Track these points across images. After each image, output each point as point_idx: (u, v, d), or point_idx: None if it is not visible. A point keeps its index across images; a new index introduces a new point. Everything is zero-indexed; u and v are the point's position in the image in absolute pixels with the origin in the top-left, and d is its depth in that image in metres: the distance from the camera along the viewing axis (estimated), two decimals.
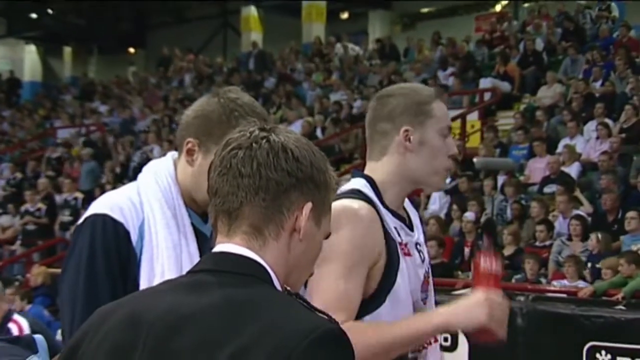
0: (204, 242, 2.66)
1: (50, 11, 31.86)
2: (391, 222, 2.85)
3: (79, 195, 18.32)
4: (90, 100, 26.94)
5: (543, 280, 11.58)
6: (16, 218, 18.56)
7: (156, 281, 2.49)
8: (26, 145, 24.21)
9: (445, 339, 8.30)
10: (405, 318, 2.80)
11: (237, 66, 25.73)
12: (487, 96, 18.45)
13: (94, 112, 25.18)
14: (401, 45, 24.18)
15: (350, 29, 28.62)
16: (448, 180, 12.84)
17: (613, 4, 21.17)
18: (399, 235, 2.85)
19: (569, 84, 17.16)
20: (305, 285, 2.66)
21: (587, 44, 18.97)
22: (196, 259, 2.12)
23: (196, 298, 1.76)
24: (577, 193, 13.03)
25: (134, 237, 2.64)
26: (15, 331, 5.86)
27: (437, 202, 14.29)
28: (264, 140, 1.84)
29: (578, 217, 12.19)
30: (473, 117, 17.57)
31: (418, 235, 2.98)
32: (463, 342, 8.16)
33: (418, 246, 2.93)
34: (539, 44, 19.67)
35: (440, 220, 13.32)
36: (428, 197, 14.28)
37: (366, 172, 2.96)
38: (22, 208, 18.44)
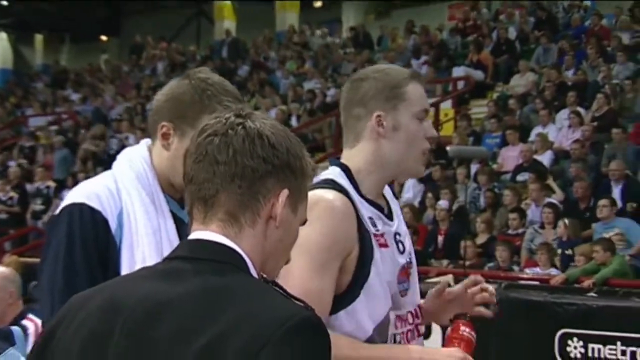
0: (182, 227, 2.63)
1: None
2: (366, 212, 2.78)
3: (52, 184, 18.24)
4: (62, 88, 26.82)
5: (515, 267, 11.65)
6: None
7: (137, 268, 2.48)
8: None
9: None
10: (385, 344, 2.77)
11: (210, 54, 25.70)
12: (460, 85, 18.51)
13: (66, 100, 25.08)
14: (375, 34, 24.21)
15: (324, 18, 28.63)
16: None
17: None
18: (375, 225, 2.79)
19: (542, 72, 17.24)
20: None
21: (560, 32, 19.08)
22: (176, 244, 2.11)
23: (173, 285, 1.75)
24: (550, 181, 13.09)
25: (112, 225, 2.62)
26: (31, 329, 5.81)
27: (411, 191, 14.33)
28: (240, 127, 1.83)
29: (550, 205, 12.26)
30: (446, 106, 17.63)
31: (398, 224, 2.90)
32: (437, 331, 8.18)
33: (398, 236, 2.86)
34: (512, 33, 19.76)
35: (414, 209, 13.37)
36: (402, 185, 14.30)
37: (342, 159, 2.90)
38: None
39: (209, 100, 2.62)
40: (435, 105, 16.58)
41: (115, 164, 2.78)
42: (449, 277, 10.30)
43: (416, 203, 13.85)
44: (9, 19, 31.94)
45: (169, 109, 2.68)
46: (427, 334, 8.71)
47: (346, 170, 2.84)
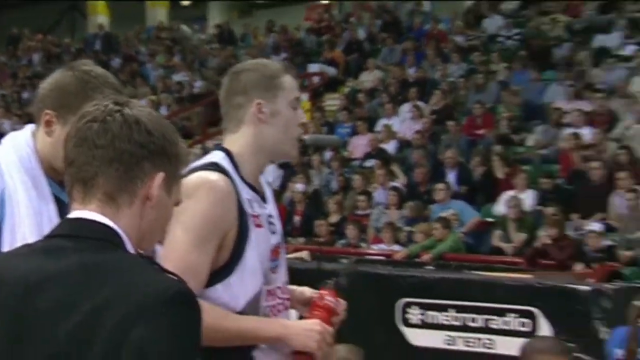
0: (63, 209, 2.57)
1: None
2: (246, 194, 2.80)
3: None
4: None
5: (364, 244, 11.82)
6: None
7: None
8: None
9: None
10: (256, 317, 2.79)
11: (84, 47, 25.12)
12: (315, 79, 18.62)
13: None
14: (238, 31, 24.10)
15: (192, 15, 28.40)
16: None
17: (425, 1, 21.71)
18: (252, 207, 2.81)
19: (387, 70, 17.47)
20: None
21: (403, 35, 19.33)
22: None
23: (53, 262, 1.71)
24: (394, 167, 13.32)
25: None
26: None
27: (272, 175, 14.36)
28: (118, 114, 1.79)
29: (394, 188, 12.50)
30: (303, 99, 17.62)
31: (271, 208, 2.94)
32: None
33: (270, 218, 2.89)
34: (361, 34, 19.96)
35: (274, 191, 13.39)
36: None
37: (225, 144, 2.90)
38: None
39: (92, 92, 2.57)
40: None
41: None
42: (305, 253, 10.37)
43: (276, 186, 13.89)
44: None
45: (53, 98, 2.62)
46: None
47: (229, 154, 2.85)
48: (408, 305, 8.57)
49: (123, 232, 1.78)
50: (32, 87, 19.97)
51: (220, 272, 2.74)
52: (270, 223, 2.90)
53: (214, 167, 2.80)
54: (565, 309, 7.70)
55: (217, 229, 2.72)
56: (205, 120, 17.64)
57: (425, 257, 10.82)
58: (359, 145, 14.71)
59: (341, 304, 2.99)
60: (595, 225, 10.62)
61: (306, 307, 3.04)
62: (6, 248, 2.48)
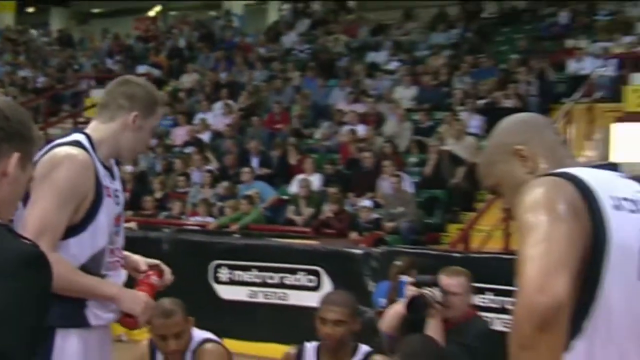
0: None
1: None
2: (101, 169, 2.84)
3: None
4: None
5: (183, 217, 11.73)
6: None
7: None
8: None
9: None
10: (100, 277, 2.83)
11: None
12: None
13: None
14: (77, 36, 23.28)
15: (36, 20, 27.15)
16: None
17: (234, 18, 21.71)
18: (105, 181, 2.85)
19: (203, 73, 17.33)
20: None
21: (216, 45, 19.23)
22: None
23: None
24: (208, 153, 13.26)
25: None
26: None
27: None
28: None
29: (209, 170, 12.46)
30: None
31: (117, 184, 2.98)
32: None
33: (116, 192, 2.93)
34: (182, 43, 19.70)
35: None
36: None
37: (89, 129, 2.91)
38: None
39: None
40: None
41: None
42: (133, 224, 10.24)
43: None
44: None
45: None
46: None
47: (89, 137, 2.87)
48: (219, 266, 8.58)
49: None
50: None
51: (75, 229, 2.76)
52: (116, 196, 2.94)
53: (77, 144, 2.81)
54: (343, 268, 7.91)
55: (77, 193, 2.74)
56: (46, 111, 17.00)
57: (234, 227, 10.89)
58: (179, 135, 14.56)
59: (166, 278, 3.08)
60: (366, 202, 10.85)
61: (137, 274, 3.11)
62: None
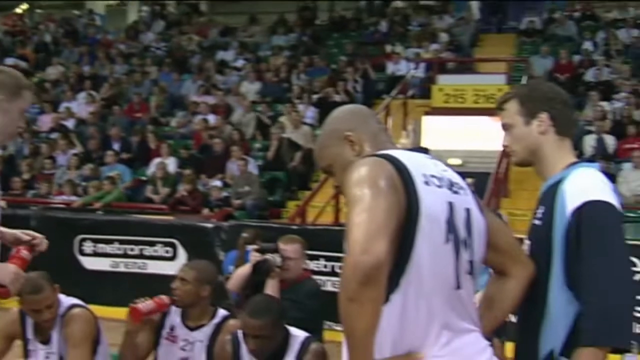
0: None
1: None
2: None
3: None
4: None
5: (50, 196, 11.26)
6: None
7: None
8: None
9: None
10: None
11: None
12: None
13: None
14: None
15: None
16: None
17: (97, 17, 20.88)
18: None
19: (68, 66, 16.58)
20: None
21: (80, 40, 18.42)
22: None
23: None
24: (73, 138, 12.78)
25: None
26: None
27: None
28: None
29: (75, 154, 12.03)
30: None
31: None
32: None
33: None
34: (48, 38, 18.73)
35: None
36: None
37: None
38: None
39: None
40: None
41: None
42: (3, 203, 9.66)
43: None
44: None
45: None
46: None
47: None
48: (83, 240, 8.38)
49: None
50: None
51: None
52: None
53: None
54: (196, 240, 7.90)
55: None
56: None
57: (97, 205, 10.57)
58: (45, 122, 13.88)
59: (42, 246, 2.94)
60: (216, 183, 10.91)
61: (13, 245, 2.96)
62: None
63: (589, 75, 13.18)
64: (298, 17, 18.03)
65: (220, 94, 13.81)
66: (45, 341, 3.71)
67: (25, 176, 11.77)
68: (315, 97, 13.25)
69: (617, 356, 2.85)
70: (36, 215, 8.61)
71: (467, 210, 1.93)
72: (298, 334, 3.30)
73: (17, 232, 2.98)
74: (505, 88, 11.32)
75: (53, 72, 16.39)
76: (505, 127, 2.29)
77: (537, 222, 2.21)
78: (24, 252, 2.91)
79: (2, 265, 2.75)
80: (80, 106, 14.32)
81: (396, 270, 1.76)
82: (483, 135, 12.28)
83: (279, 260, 3.91)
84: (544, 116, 2.22)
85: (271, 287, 3.84)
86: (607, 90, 12.38)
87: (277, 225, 8.17)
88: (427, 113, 12.82)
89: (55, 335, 3.68)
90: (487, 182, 9.44)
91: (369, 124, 2.06)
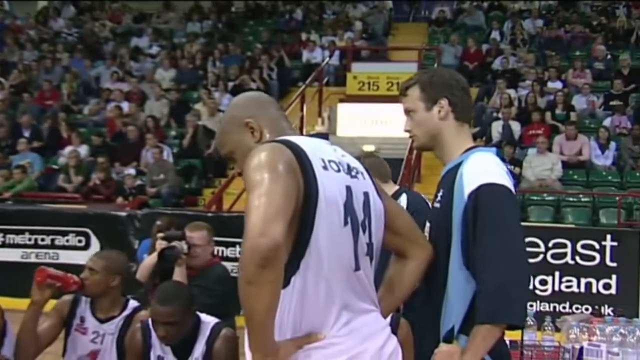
0: None
1: None
2: None
3: None
4: None
5: None
6: None
7: None
8: None
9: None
10: None
11: None
12: None
13: None
14: None
15: None
16: None
17: (5, 2, 20.07)
18: None
19: None
20: None
21: None
22: None
23: None
24: None
25: None
26: None
27: None
28: None
29: None
30: None
31: None
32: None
33: None
34: None
35: None
36: None
37: None
38: None
39: None
40: None
41: None
42: None
43: None
44: None
45: None
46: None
47: None
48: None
49: None
50: None
51: None
52: None
53: None
54: (110, 229, 7.77)
55: None
56: None
57: (6, 194, 10.20)
58: None
59: None
60: (131, 171, 10.75)
61: None
62: None
63: (496, 64, 13.57)
64: (213, 4, 17.80)
65: (135, 81, 13.52)
66: None
67: None
68: (230, 84, 13.13)
69: (518, 333, 2.97)
70: None
71: (366, 194, 1.96)
72: (208, 320, 3.28)
73: None
74: None
75: None
76: (407, 112, 2.32)
77: (437, 204, 2.26)
78: None
79: None
80: None
81: (295, 253, 1.78)
82: (396, 122, 12.45)
83: (185, 247, 3.88)
84: (444, 102, 2.26)
85: (179, 274, 3.81)
86: (513, 78, 12.77)
87: (192, 212, 8.09)
88: (341, 100, 12.91)
89: None
90: (400, 168, 9.60)
91: (269, 110, 2.06)
